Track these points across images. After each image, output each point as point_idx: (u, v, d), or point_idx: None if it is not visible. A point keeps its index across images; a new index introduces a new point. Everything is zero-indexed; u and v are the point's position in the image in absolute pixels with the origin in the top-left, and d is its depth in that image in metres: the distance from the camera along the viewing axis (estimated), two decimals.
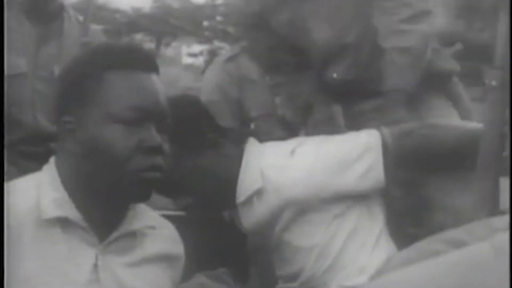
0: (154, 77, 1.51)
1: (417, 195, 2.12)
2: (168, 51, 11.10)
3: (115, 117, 1.45)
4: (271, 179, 1.98)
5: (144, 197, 1.52)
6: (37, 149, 2.30)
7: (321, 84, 2.41)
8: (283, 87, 2.54)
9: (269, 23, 2.45)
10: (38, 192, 1.51)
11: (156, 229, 1.60)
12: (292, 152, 1.99)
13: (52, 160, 1.54)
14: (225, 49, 6.71)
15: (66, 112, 1.49)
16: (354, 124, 2.24)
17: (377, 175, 1.97)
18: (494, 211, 1.86)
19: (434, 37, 2.36)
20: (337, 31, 2.36)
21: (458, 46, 2.27)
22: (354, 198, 1.99)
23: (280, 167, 1.98)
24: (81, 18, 2.68)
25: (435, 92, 2.40)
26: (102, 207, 1.50)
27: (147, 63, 1.52)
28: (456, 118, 2.36)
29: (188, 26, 10.57)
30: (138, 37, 10.50)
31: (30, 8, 2.53)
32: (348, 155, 1.98)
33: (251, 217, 2.03)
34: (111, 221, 1.52)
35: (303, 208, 1.97)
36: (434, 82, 2.33)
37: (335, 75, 2.36)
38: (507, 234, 0.56)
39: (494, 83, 1.95)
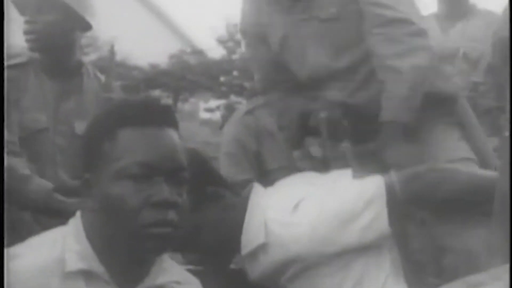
0: (169, 131, 1.52)
1: (434, 245, 2.10)
2: (185, 107, 11.15)
3: (124, 173, 1.47)
4: (275, 234, 1.95)
5: (156, 252, 1.52)
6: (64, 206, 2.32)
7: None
8: (276, 104, 2.56)
9: (266, 38, 2.51)
10: (63, 244, 1.53)
11: (182, 284, 1.60)
12: (296, 207, 1.97)
13: (78, 214, 1.57)
14: (242, 104, 6.75)
15: (85, 169, 1.52)
16: (359, 164, 2.22)
17: (382, 226, 1.95)
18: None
19: (433, 57, 2.33)
20: (331, 55, 2.38)
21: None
22: (359, 249, 1.96)
23: (284, 223, 1.96)
24: (99, 74, 2.73)
25: (440, 118, 2.37)
26: (124, 261, 1.51)
27: (162, 117, 1.53)
28: (464, 148, 2.31)
29: (205, 81, 10.63)
30: (156, 93, 10.56)
31: (50, 65, 2.57)
32: (352, 209, 1.95)
33: (256, 268, 2.01)
34: (134, 275, 1.53)
35: (308, 263, 1.95)
36: (437, 107, 2.30)
37: (322, 115, 2.37)
38: None
39: (506, 134, 1.95)
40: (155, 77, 10.55)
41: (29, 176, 2.30)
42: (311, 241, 1.93)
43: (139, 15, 15.51)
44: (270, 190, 2.07)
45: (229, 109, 9.32)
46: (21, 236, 1.55)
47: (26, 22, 2.53)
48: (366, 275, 1.96)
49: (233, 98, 10.40)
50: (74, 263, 1.50)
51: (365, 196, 1.96)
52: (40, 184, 2.31)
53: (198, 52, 11.67)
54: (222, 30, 12.60)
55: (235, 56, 11.67)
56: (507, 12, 2.11)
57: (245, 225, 2.00)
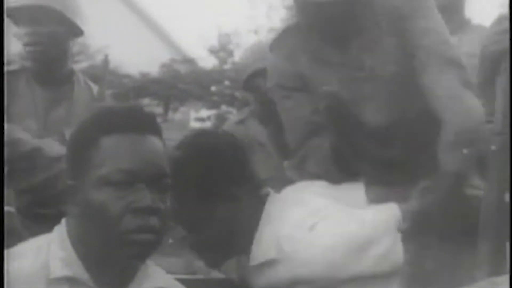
0: (152, 138, 1.53)
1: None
2: (176, 116, 11.15)
3: (106, 180, 1.48)
4: (286, 252, 1.92)
5: (139, 258, 1.53)
6: (50, 211, 2.32)
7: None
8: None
9: (309, 88, 2.35)
10: (48, 251, 1.54)
11: None
12: (312, 227, 1.93)
13: (63, 221, 1.58)
14: (233, 114, 6.75)
15: (69, 176, 1.54)
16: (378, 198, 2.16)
17: (397, 257, 1.92)
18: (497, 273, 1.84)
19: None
20: (392, 113, 2.31)
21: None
22: (371, 277, 1.93)
23: (297, 242, 1.92)
24: (90, 82, 2.73)
25: None
26: (107, 267, 1.52)
27: (145, 125, 1.54)
28: None
29: (195, 90, 10.63)
30: (146, 101, 10.56)
31: (43, 74, 2.58)
32: (368, 236, 1.92)
33: (261, 281, 1.98)
34: (118, 281, 1.53)
35: (316, 286, 1.92)
36: None
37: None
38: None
39: (493, 147, 1.96)
40: (145, 86, 10.56)
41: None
42: (324, 264, 1.90)
43: (131, 23, 15.52)
44: (286, 201, 2.03)
45: (220, 119, 9.34)
46: (10, 243, 1.56)
47: (27, 34, 2.54)
48: None
49: (224, 108, 10.42)
50: (58, 270, 1.51)
51: (382, 224, 1.94)
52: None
53: (189, 61, 11.69)
54: (213, 40, 12.65)
55: (226, 66, 11.70)
56: (495, 26, 2.11)
57: (257, 235, 1.97)
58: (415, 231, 1.97)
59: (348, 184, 2.11)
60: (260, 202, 1.99)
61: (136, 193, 1.49)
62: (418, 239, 1.99)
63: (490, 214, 1.96)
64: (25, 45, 2.54)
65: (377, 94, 2.27)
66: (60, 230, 1.57)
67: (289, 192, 2.07)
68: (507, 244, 2.05)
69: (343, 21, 2.23)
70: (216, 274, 2.94)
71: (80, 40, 2.71)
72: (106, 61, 2.94)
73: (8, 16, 2.53)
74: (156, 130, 1.56)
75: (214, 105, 10.67)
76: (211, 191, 1.96)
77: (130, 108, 1.67)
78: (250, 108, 3.28)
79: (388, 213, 1.96)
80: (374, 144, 2.28)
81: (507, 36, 1.95)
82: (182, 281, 1.75)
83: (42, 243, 1.56)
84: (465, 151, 1.94)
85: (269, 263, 1.93)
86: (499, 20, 2.08)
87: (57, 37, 2.54)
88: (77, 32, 2.61)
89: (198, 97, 10.68)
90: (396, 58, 2.24)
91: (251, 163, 2.07)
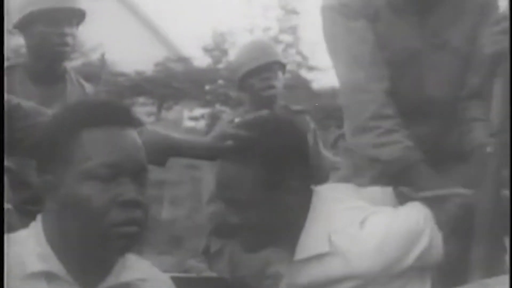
0: (131, 131, 1.55)
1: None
2: (170, 115, 11.14)
3: (90, 174, 1.49)
4: (339, 247, 1.92)
5: (124, 250, 1.54)
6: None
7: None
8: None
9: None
10: (24, 247, 1.54)
11: (147, 281, 1.62)
12: (363, 222, 1.94)
13: (38, 217, 1.59)
14: (227, 113, 6.76)
15: (46, 171, 1.53)
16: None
17: (438, 250, 1.96)
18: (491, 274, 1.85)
19: None
20: (452, 91, 2.28)
21: None
22: (417, 270, 1.95)
23: (349, 237, 1.93)
24: (82, 80, 2.73)
25: None
26: (85, 260, 1.53)
27: (124, 118, 1.56)
28: None
29: (190, 89, 10.62)
30: (141, 100, 10.55)
31: (34, 71, 2.58)
32: (415, 230, 1.94)
33: (304, 276, 1.98)
34: (95, 274, 1.55)
35: (366, 281, 1.92)
36: None
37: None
38: None
39: (489, 149, 1.95)
40: (140, 84, 10.54)
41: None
42: (377, 259, 1.91)
43: (126, 21, 15.50)
44: (329, 199, 2.02)
45: (214, 118, 9.33)
46: None
47: (39, 33, 2.56)
48: None
49: (218, 107, 10.40)
50: (34, 265, 1.52)
51: (423, 218, 1.96)
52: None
53: (183, 60, 11.66)
54: (208, 39, 12.63)
55: (220, 65, 11.69)
56: (493, 26, 2.09)
57: (305, 231, 1.96)
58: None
59: (374, 187, 2.12)
60: (309, 195, 1.99)
61: (120, 187, 1.50)
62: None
63: (486, 217, 1.96)
64: (35, 45, 2.56)
65: (445, 67, 2.26)
66: (36, 226, 1.58)
67: (327, 190, 2.07)
68: (503, 247, 2.05)
69: None
70: (208, 273, 2.95)
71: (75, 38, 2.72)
72: (103, 60, 2.95)
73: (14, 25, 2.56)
74: (133, 123, 1.58)
75: (208, 104, 10.66)
76: (272, 172, 1.95)
77: (107, 101, 1.69)
78: (245, 107, 3.28)
79: (422, 209, 1.98)
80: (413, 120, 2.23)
81: (506, 37, 1.93)
82: (174, 279, 1.76)
83: (17, 239, 1.58)
84: (488, 149, 1.93)
85: (319, 257, 1.93)
86: (497, 20, 2.02)
87: (59, 35, 2.56)
88: (80, 17, 2.64)
89: (192, 96, 10.67)
90: (473, 37, 2.24)
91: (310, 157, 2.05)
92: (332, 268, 1.93)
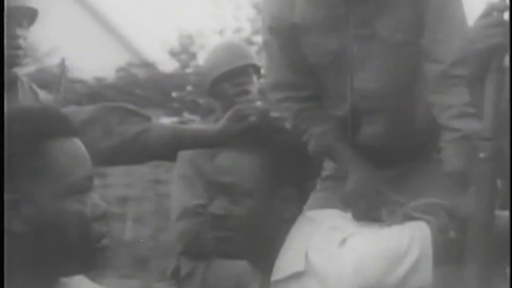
0: (78, 140, 1.57)
1: None
2: None
3: (73, 188, 1.50)
4: (316, 265, 1.97)
5: (93, 267, 1.56)
6: None
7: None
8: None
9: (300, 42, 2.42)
10: None
11: None
12: (343, 241, 1.98)
13: None
14: (196, 122, 6.74)
15: (12, 190, 1.49)
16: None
17: (425, 275, 1.98)
18: None
19: None
20: (384, 83, 2.39)
21: None
22: None
23: (328, 255, 1.97)
24: (35, 87, 2.72)
25: None
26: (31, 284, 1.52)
27: (69, 127, 1.58)
28: None
29: (155, 97, 10.59)
30: None
31: None
32: (397, 249, 1.97)
33: None
34: None
35: None
36: None
37: None
38: None
39: (482, 155, 1.94)
40: (100, 92, 10.50)
41: None
42: (355, 279, 1.94)
43: (84, 24, 15.45)
44: (312, 219, 2.09)
45: None
46: None
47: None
48: None
49: (186, 115, 10.39)
50: None
51: (411, 238, 1.98)
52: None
53: (148, 65, 11.63)
54: (174, 41, 12.61)
55: (188, 70, 11.67)
56: (483, 18, 2.11)
57: (283, 250, 2.02)
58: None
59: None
60: (299, 212, 2.10)
61: (94, 199, 1.53)
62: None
63: (479, 231, 1.95)
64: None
65: (375, 59, 2.36)
66: None
67: (312, 213, 2.14)
68: (503, 273, 2.06)
69: None
70: None
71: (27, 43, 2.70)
72: (63, 65, 2.94)
73: None
74: (75, 132, 1.59)
75: (175, 112, 10.62)
76: (276, 167, 2.06)
77: (47, 110, 1.65)
78: (216, 115, 3.27)
79: (416, 229, 2.00)
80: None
81: (499, 29, 1.89)
82: None
83: None
84: (482, 155, 1.94)
85: (296, 276, 1.97)
86: (486, 11, 1.96)
87: (15, 37, 2.56)
88: (32, 16, 2.63)
89: (157, 103, 10.65)
90: (406, 28, 2.33)
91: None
92: (308, 286, 1.98)
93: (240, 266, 2.34)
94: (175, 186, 3.04)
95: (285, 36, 2.41)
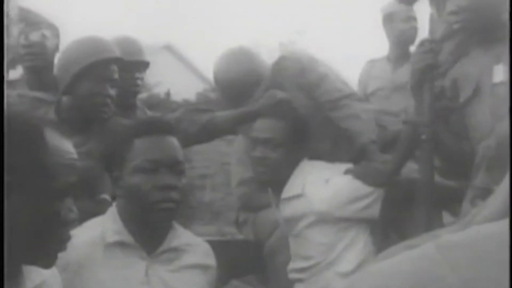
0: (169, 137, 1.60)
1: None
2: None
3: (137, 168, 1.55)
4: (309, 192, 2.11)
5: (164, 221, 1.58)
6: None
7: None
8: None
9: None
10: (103, 225, 1.60)
11: (192, 245, 1.67)
12: (328, 180, 2.12)
13: (114, 203, 1.66)
14: None
15: (114, 170, 1.61)
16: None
17: (374, 211, 2.09)
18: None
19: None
20: None
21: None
22: (355, 221, 2.11)
23: (317, 187, 2.11)
24: (146, 109, 2.75)
25: None
26: (145, 230, 1.58)
27: (163, 129, 1.62)
28: None
29: (221, 108, 10.57)
30: None
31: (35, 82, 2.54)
32: (358, 193, 2.08)
33: (287, 210, 2.16)
34: (155, 241, 1.60)
35: (320, 218, 2.09)
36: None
37: None
38: (450, 235, 0.57)
39: (423, 137, 1.96)
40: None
41: None
42: (330, 204, 2.07)
43: (172, 64, 15.39)
44: (314, 165, 2.19)
45: None
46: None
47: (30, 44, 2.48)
48: (356, 240, 2.09)
49: None
50: (111, 237, 1.56)
51: (368, 188, 2.10)
52: None
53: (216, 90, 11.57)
54: None
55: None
56: (419, 47, 2.14)
57: (291, 179, 2.15)
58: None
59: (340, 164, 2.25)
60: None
61: (160, 176, 1.55)
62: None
63: (424, 190, 1.98)
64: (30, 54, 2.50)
65: None
66: (112, 209, 1.63)
67: (312, 162, 2.23)
68: (440, 222, 2.05)
69: None
70: (238, 236, 2.95)
71: None
72: (168, 93, 3.00)
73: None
74: (172, 132, 1.63)
75: None
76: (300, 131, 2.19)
77: (154, 118, 1.90)
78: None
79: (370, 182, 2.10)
80: None
81: (430, 55, 2.04)
82: (214, 242, 1.80)
83: (99, 220, 1.63)
84: (423, 137, 1.99)
85: (296, 197, 2.07)
86: (421, 43, 2.12)
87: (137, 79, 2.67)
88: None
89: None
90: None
91: None
92: (302, 205, 2.10)
93: (272, 213, 2.37)
94: (233, 161, 3.00)
95: None
